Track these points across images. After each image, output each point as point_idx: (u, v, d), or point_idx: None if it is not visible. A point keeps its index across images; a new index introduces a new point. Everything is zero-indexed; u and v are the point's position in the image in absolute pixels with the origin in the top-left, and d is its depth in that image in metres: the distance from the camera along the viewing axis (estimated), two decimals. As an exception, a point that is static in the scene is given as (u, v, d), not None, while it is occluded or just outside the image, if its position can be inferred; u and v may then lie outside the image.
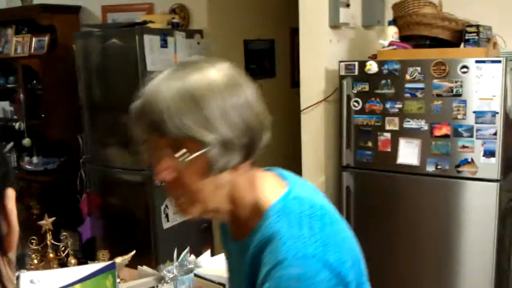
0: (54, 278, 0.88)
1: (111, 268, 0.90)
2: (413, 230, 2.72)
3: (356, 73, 2.77)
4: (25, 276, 0.88)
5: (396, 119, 2.68)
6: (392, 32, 2.88)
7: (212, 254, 1.88)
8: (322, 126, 2.95)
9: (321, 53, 2.91)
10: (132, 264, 1.87)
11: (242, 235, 0.98)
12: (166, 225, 3.50)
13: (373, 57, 2.83)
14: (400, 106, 2.66)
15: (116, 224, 3.67)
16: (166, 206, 3.50)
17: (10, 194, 0.50)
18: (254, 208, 0.94)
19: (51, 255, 1.80)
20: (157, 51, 3.42)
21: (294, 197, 0.93)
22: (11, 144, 4.56)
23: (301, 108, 2.96)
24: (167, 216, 3.51)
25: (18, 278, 0.86)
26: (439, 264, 2.66)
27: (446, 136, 2.56)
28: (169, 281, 1.60)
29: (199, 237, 3.74)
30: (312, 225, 0.88)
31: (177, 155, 0.85)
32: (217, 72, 0.88)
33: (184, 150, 0.85)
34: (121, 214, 3.64)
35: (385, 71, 2.69)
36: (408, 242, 2.74)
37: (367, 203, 2.83)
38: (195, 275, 1.60)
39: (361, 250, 0.96)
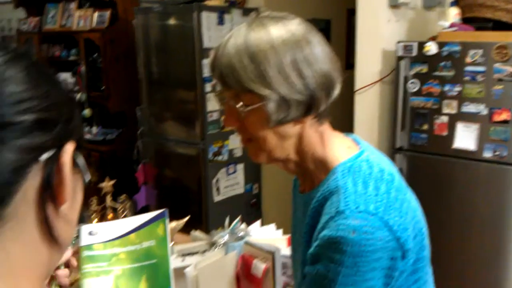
0: (111, 229, 0.93)
1: (162, 216, 0.95)
2: (465, 217, 2.67)
3: (414, 54, 2.71)
4: (85, 228, 0.94)
5: (454, 103, 2.62)
6: (453, 14, 2.80)
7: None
8: (377, 107, 2.92)
9: (378, 33, 2.87)
10: (183, 231, 1.94)
11: (308, 188, 1.01)
12: (216, 198, 3.58)
13: (433, 39, 2.76)
14: (459, 89, 2.60)
15: (169, 194, 3.78)
16: (218, 179, 3.58)
17: (68, 148, 0.52)
18: (322, 163, 0.96)
19: (110, 216, 1.89)
20: (214, 28, 3.47)
21: (364, 160, 0.94)
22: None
23: (356, 88, 2.94)
24: (218, 189, 3.59)
25: (78, 230, 0.92)
26: (491, 253, 2.61)
27: (505, 121, 2.48)
28: (220, 246, 1.65)
29: (248, 212, 3.81)
30: (378, 186, 0.89)
31: (237, 106, 0.91)
32: (278, 30, 0.89)
33: (242, 103, 0.91)
34: (174, 185, 3.75)
35: (444, 53, 2.63)
36: (459, 229, 2.69)
37: (419, 186, 2.75)
38: (246, 242, 1.64)
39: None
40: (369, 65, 2.91)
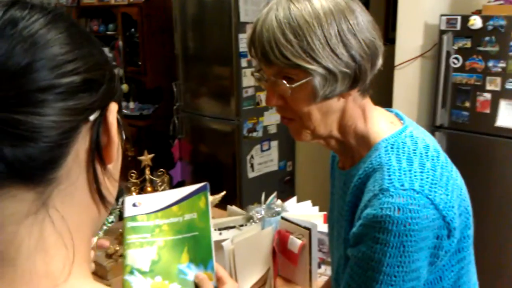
0: (154, 201, 0.94)
1: (203, 189, 0.95)
2: (505, 197, 2.59)
3: (458, 28, 2.62)
4: (128, 199, 0.95)
5: (498, 79, 2.53)
6: (500, -14, 2.68)
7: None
8: (417, 83, 2.84)
9: (421, 6, 2.78)
10: (218, 207, 1.96)
11: (348, 165, 0.99)
12: (251, 175, 3.59)
13: (477, 13, 2.66)
14: (504, 65, 2.50)
15: (204, 169, 3.82)
16: (252, 156, 3.58)
17: (113, 107, 0.52)
18: (364, 139, 0.94)
19: (149, 189, 1.92)
20: (251, 2, 3.43)
21: (408, 135, 0.91)
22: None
23: (396, 64, 2.87)
24: (252, 165, 3.60)
25: (123, 202, 0.93)
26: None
27: (553, 99, 2.39)
28: (257, 221, 1.66)
29: (282, 189, 3.81)
30: (423, 163, 0.86)
31: (283, 83, 0.87)
32: (320, 1, 0.85)
33: (285, 81, 0.87)
34: (209, 161, 3.78)
35: (489, 27, 2.53)
36: (498, 208, 2.62)
37: (459, 165, 2.69)
38: (282, 218, 1.64)
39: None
40: (410, 39, 2.82)
